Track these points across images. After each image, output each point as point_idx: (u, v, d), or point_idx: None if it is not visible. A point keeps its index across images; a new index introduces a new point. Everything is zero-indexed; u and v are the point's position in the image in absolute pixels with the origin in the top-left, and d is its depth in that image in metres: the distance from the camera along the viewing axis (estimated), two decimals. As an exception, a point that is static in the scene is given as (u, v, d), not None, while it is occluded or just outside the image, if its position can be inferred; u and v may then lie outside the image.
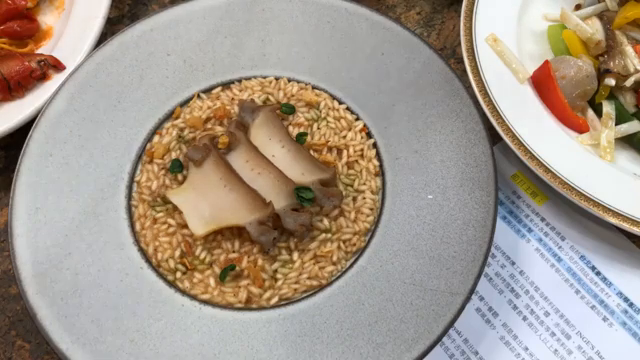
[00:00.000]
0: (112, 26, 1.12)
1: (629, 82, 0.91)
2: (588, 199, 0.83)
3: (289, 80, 0.94)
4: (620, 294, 0.87)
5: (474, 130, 0.85)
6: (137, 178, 0.87)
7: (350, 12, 0.95)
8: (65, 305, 0.76)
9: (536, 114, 0.91)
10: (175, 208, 0.83)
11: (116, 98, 0.91)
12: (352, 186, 0.86)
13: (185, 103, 0.92)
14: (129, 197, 0.86)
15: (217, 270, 0.80)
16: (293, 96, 0.92)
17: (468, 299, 0.75)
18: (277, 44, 0.95)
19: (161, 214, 0.84)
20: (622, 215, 0.82)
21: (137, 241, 0.82)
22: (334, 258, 0.81)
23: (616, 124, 0.92)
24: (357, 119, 0.91)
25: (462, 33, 0.95)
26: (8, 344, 0.87)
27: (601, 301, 0.87)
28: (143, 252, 0.82)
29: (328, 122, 0.90)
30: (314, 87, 0.93)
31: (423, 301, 0.76)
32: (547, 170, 0.85)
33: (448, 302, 0.75)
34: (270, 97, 0.92)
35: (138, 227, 0.84)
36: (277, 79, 0.94)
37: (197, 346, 0.75)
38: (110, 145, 0.88)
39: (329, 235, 0.82)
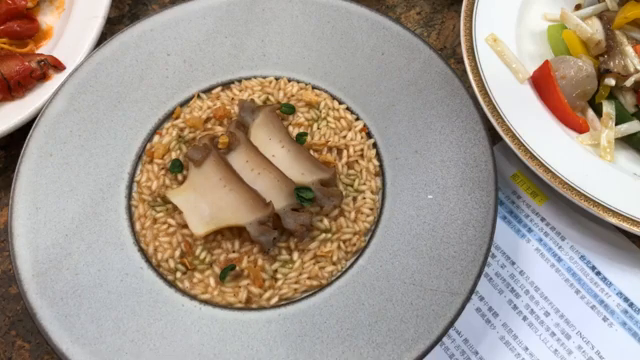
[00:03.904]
0: (112, 26, 1.12)
1: (629, 82, 0.91)
2: (588, 199, 0.83)
3: (289, 80, 0.94)
4: (620, 294, 0.87)
5: (474, 130, 0.85)
6: (137, 178, 0.87)
7: (350, 12, 0.95)
8: (65, 305, 0.76)
9: (536, 114, 0.91)
10: (175, 208, 0.83)
11: (116, 98, 0.91)
12: (352, 186, 0.86)
13: (185, 103, 0.92)
14: (129, 197, 0.86)
15: (217, 270, 0.80)
16: (293, 96, 0.92)
17: (468, 299, 0.75)
18: (277, 44, 0.95)
19: (161, 214, 0.84)
20: (622, 215, 0.83)
21: (137, 241, 0.82)
22: (334, 258, 0.81)
23: (616, 124, 0.92)
24: (357, 119, 0.91)
25: (462, 33, 0.95)
26: (8, 344, 0.87)
27: (601, 301, 0.87)
28: (143, 252, 0.82)
29: (328, 122, 0.90)
30: (314, 87, 0.93)
31: (423, 301, 0.76)
32: (547, 170, 0.85)
33: (448, 302, 0.75)
34: (270, 97, 0.92)
35: (138, 227, 0.84)
36: (277, 79, 0.94)
37: (197, 346, 0.75)
38: (110, 145, 0.88)
39: (329, 235, 0.82)
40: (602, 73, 0.92)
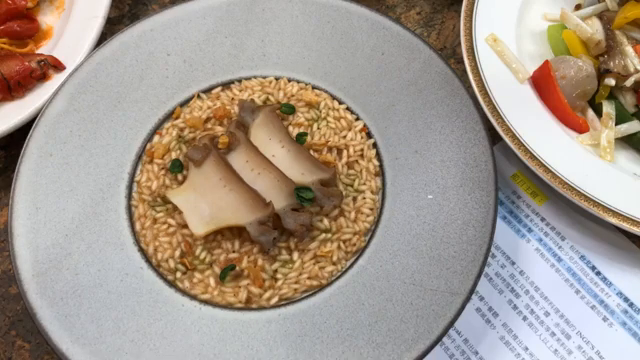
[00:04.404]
0: (112, 26, 1.12)
1: (629, 82, 0.91)
2: (588, 199, 0.83)
3: (289, 80, 0.94)
4: (620, 294, 0.87)
5: (474, 130, 0.85)
6: (137, 178, 0.87)
7: (350, 12, 0.95)
8: (65, 305, 0.76)
9: (536, 114, 0.91)
10: (175, 208, 0.83)
11: (116, 98, 0.91)
12: (352, 186, 0.86)
13: (185, 103, 0.92)
14: (129, 197, 0.86)
15: (217, 270, 0.80)
16: (293, 96, 0.92)
17: (468, 299, 0.75)
18: (277, 44, 0.95)
19: (161, 214, 0.84)
20: (622, 215, 0.82)
21: (137, 241, 0.82)
22: (334, 258, 0.81)
23: (616, 124, 0.92)
24: (357, 119, 0.91)
25: (462, 33, 0.95)
26: (8, 344, 0.87)
27: (601, 301, 0.87)
28: (143, 252, 0.82)
29: (328, 122, 0.90)
30: (314, 87, 0.93)
31: (423, 301, 0.76)
32: (547, 170, 0.85)
33: (448, 302, 0.75)
34: (270, 97, 0.92)
35: (138, 227, 0.84)
36: (277, 79, 0.94)
37: (197, 346, 0.75)
38: (110, 145, 0.88)
39: (329, 235, 0.82)
40: (602, 73, 0.92)
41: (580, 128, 0.92)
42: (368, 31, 0.94)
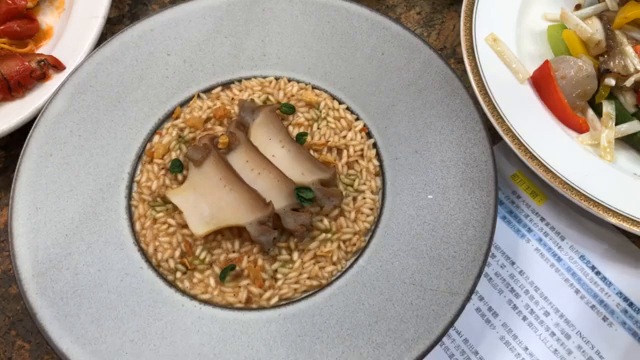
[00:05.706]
0: (112, 26, 1.12)
1: (629, 82, 0.91)
2: (588, 199, 0.83)
3: (289, 80, 0.94)
4: (620, 294, 0.87)
5: (474, 130, 0.86)
6: (137, 178, 0.87)
7: (350, 12, 0.95)
8: (65, 305, 0.76)
9: (536, 114, 0.91)
10: (175, 208, 0.83)
11: (116, 98, 0.91)
12: (352, 186, 0.86)
13: (185, 103, 0.92)
14: (129, 197, 0.86)
15: (217, 270, 0.80)
16: (293, 96, 0.92)
17: (468, 299, 0.75)
18: (277, 44, 0.95)
19: (161, 214, 0.84)
20: (622, 215, 0.83)
21: (137, 241, 0.82)
22: (334, 258, 0.81)
23: (616, 124, 0.92)
24: (357, 119, 0.91)
25: (462, 33, 0.95)
26: (8, 344, 0.87)
27: (601, 301, 0.87)
28: (143, 252, 0.82)
29: (328, 122, 0.90)
30: (314, 87, 0.93)
31: (423, 301, 0.76)
32: (547, 170, 0.85)
33: (448, 302, 0.75)
34: (270, 97, 0.92)
35: (138, 227, 0.84)
36: (277, 79, 0.94)
37: (197, 346, 0.75)
38: (110, 145, 0.88)
39: (329, 235, 0.82)
40: (602, 73, 0.92)
41: (580, 128, 0.92)
42: (368, 31, 0.94)
